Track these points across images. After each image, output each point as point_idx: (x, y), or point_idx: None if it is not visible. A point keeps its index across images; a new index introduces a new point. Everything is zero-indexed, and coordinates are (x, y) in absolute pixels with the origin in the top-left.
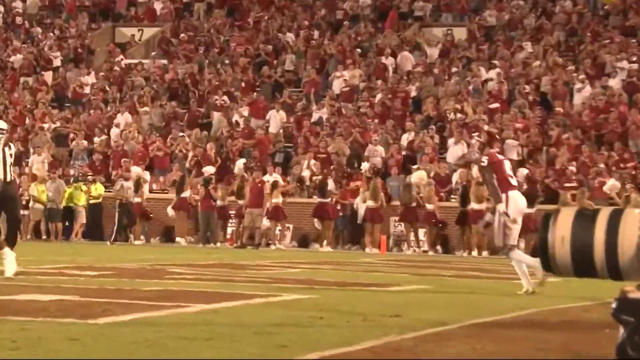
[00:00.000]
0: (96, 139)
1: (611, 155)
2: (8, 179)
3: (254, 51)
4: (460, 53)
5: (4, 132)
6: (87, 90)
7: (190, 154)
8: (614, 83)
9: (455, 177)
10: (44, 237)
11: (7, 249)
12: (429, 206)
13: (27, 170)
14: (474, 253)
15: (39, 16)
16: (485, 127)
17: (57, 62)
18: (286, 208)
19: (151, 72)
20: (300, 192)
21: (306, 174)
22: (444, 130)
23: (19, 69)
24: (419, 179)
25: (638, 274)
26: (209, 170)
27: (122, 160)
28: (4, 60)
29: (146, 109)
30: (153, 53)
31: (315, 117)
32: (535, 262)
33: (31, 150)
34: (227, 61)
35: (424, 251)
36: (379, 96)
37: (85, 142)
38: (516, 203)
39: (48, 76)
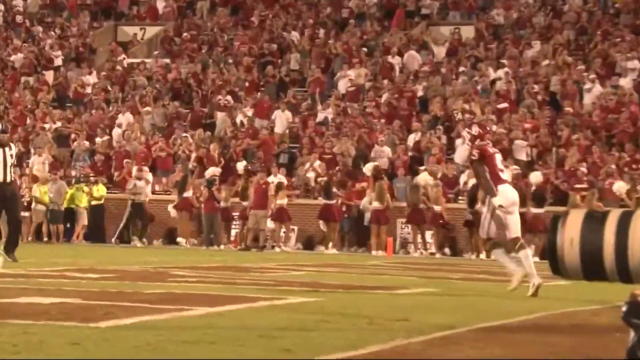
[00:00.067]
0: (98, 140)
1: (622, 156)
2: (8, 179)
3: (258, 50)
4: (468, 52)
5: None
6: (88, 90)
7: (194, 155)
8: (625, 82)
9: (462, 179)
10: (45, 239)
11: None
12: (437, 208)
13: (27, 171)
14: (482, 255)
15: (40, 15)
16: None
17: (58, 62)
18: (291, 210)
19: (154, 71)
20: (306, 193)
21: (311, 175)
22: (451, 131)
23: (19, 68)
24: (427, 181)
25: None
26: (213, 171)
27: (124, 161)
28: (5, 59)
29: (148, 109)
30: (155, 52)
31: (320, 117)
32: (515, 268)
33: (32, 150)
34: (230, 60)
35: (431, 253)
36: (385, 96)
37: (86, 143)
38: (507, 197)
39: (49, 76)
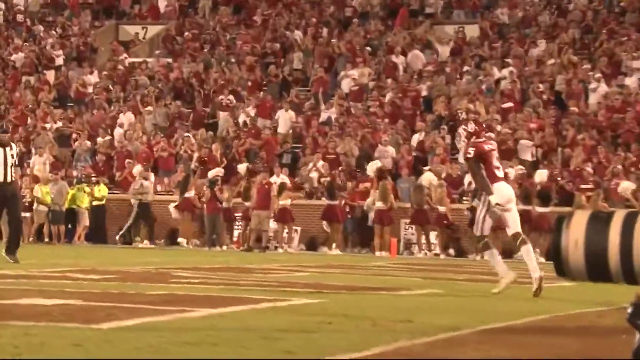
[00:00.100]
0: (99, 139)
1: (628, 156)
2: (8, 179)
3: (260, 49)
4: (473, 51)
5: None
6: (90, 89)
7: (196, 155)
8: (631, 82)
9: (467, 179)
10: (46, 239)
11: None
12: (441, 208)
13: (28, 171)
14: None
15: (41, 14)
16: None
17: (59, 61)
18: (294, 210)
19: (155, 71)
20: (309, 194)
21: (314, 175)
22: (455, 131)
23: (20, 67)
24: (431, 181)
25: None
26: (216, 172)
27: (126, 161)
28: (5, 59)
29: (150, 108)
30: (157, 51)
31: (323, 117)
32: (505, 271)
33: (33, 150)
34: (233, 60)
35: (436, 254)
36: (389, 95)
37: (88, 143)
38: (503, 194)
39: (50, 75)
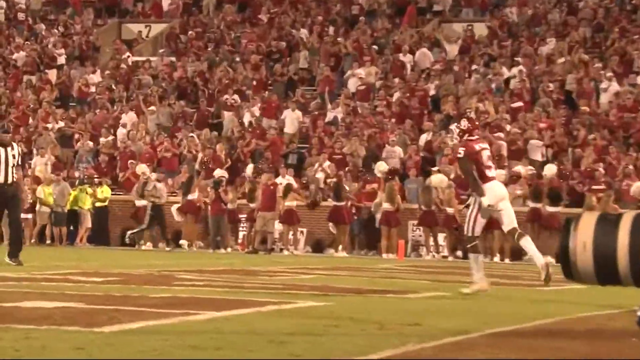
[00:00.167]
0: (102, 140)
1: (639, 157)
2: (9, 180)
3: (266, 48)
4: (482, 50)
5: None
6: (92, 89)
7: (200, 155)
8: None
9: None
10: (48, 241)
11: None
12: (449, 210)
13: (29, 172)
14: (496, 259)
15: (43, 12)
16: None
17: (61, 60)
18: (300, 212)
19: (159, 70)
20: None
21: (320, 175)
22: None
23: (22, 66)
24: (439, 182)
25: None
26: (220, 172)
27: (129, 161)
28: (7, 57)
29: (153, 108)
30: (161, 50)
31: (329, 116)
32: (480, 278)
33: (34, 151)
34: (238, 58)
35: (444, 257)
36: (396, 95)
37: (90, 143)
38: (495, 194)
39: (52, 74)
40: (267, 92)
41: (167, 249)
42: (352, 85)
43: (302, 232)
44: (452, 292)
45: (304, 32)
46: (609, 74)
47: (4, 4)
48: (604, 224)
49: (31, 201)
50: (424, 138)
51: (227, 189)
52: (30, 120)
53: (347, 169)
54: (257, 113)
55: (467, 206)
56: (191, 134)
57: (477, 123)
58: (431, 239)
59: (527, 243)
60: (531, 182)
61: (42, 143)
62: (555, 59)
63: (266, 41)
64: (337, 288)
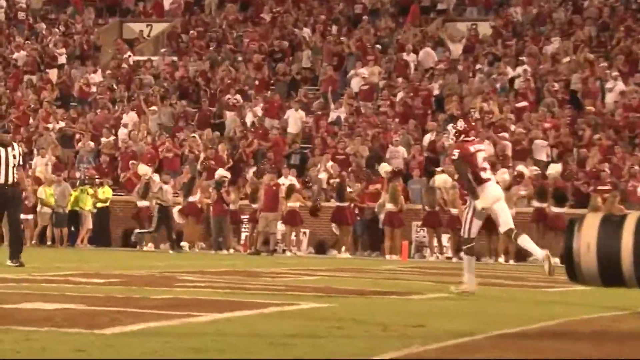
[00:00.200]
0: (103, 140)
1: None
2: (10, 181)
3: (268, 47)
4: (486, 49)
5: None
6: (93, 88)
7: (202, 156)
8: None
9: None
10: (48, 242)
11: None
12: (453, 210)
13: (30, 172)
14: (501, 259)
15: (43, 11)
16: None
17: (62, 60)
18: (303, 212)
19: (160, 69)
20: (317, 195)
21: (323, 176)
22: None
23: (22, 66)
24: (443, 183)
25: None
26: (223, 173)
27: (130, 162)
28: (7, 57)
29: (155, 108)
30: (162, 50)
31: (332, 116)
32: (470, 280)
33: (35, 151)
34: (240, 58)
35: (448, 258)
36: (399, 94)
37: (91, 143)
38: (488, 197)
39: (53, 74)
40: (269, 92)
41: (171, 252)
42: (355, 84)
43: (304, 233)
44: (456, 294)
45: (306, 32)
46: (615, 73)
47: (4, 3)
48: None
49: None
50: (427, 138)
51: (229, 189)
52: (31, 120)
53: (350, 169)
54: (260, 113)
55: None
56: (193, 134)
57: (473, 124)
58: (435, 240)
59: (524, 241)
60: (536, 182)
61: (43, 143)
62: (560, 58)
63: (268, 40)
64: (340, 289)
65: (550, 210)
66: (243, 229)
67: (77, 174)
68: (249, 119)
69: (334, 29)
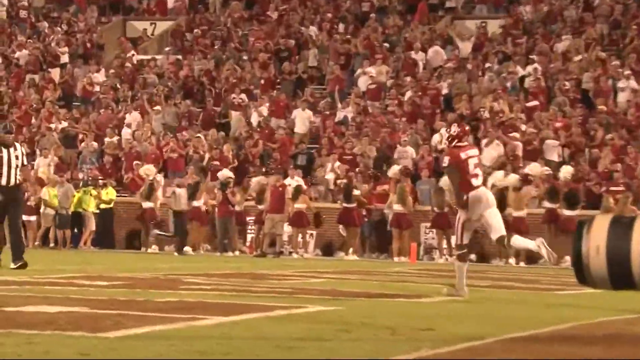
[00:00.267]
0: (107, 140)
1: None
2: (12, 182)
3: (274, 46)
4: (495, 47)
5: None
6: (96, 88)
7: (207, 156)
8: None
9: (490, 180)
10: (51, 244)
11: None
12: None
13: (32, 173)
14: (512, 261)
15: (46, 9)
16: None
17: (64, 59)
18: (309, 214)
19: (164, 68)
20: (325, 196)
21: (330, 176)
22: (478, 130)
23: (24, 65)
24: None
25: None
26: (227, 173)
27: (134, 162)
28: (9, 56)
29: (159, 107)
30: (166, 48)
31: (339, 116)
32: (463, 287)
33: (37, 152)
34: (245, 57)
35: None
36: (408, 94)
37: (95, 144)
38: (476, 206)
39: (55, 73)
40: (275, 92)
41: (176, 253)
42: (363, 84)
43: (311, 234)
44: (466, 297)
45: (313, 30)
46: (627, 72)
47: (5, 2)
48: (618, 226)
49: (35, 202)
50: (436, 138)
51: (235, 190)
52: (33, 120)
53: (357, 169)
54: (265, 113)
55: None
56: (198, 134)
57: (467, 129)
58: (444, 242)
59: (516, 240)
60: (547, 182)
61: (45, 144)
62: (572, 56)
63: (274, 39)
64: (348, 292)
65: (562, 213)
66: (249, 231)
67: (80, 175)
68: (254, 118)
69: (341, 27)
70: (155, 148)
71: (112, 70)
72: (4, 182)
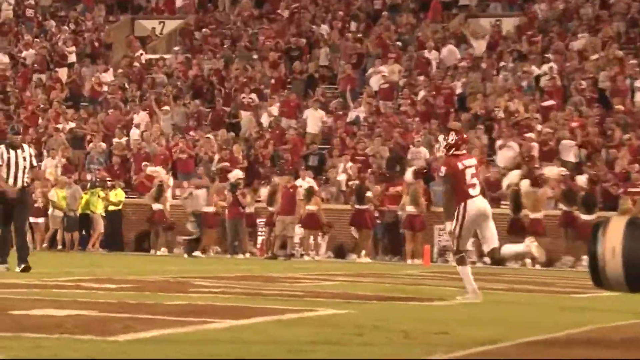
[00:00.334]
0: (115, 141)
1: None
2: (19, 184)
3: (284, 45)
4: (510, 46)
5: None
6: (104, 88)
7: (217, 157)
8: None
9: (505, 181)
10: (59, 247)
11: None
12: None
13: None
14: (527, 261)
15: (53, 8)
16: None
17: (72, 58)
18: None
19: (173, 68)
20: (337, 197)
21: (342, 177)
22: (492, 130)
23: (31, 65)
24: None
25: None
26: (237, 174)
27: (143, 163)
28: (15, 55)
29: (168, 108)
30: (175, 48)
31: (351, 116)
32: (473, 290)
33: (44, 153)
34: (255, 56)
35: (472, 262)
36: (421, 93)
37: (103, 145)
38: (476, 213)
39: (62, 73)
40: (286, 91)
41: (186, 255)
42: (375, 83)
43: (323, 236)
44: (480, 300)
45: (324, 28)
46: None
47: (12, 0)
48: (634, 228)
49: (42, 204)
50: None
51: (245, 191)
52: (40, 121)
53: (370, 170)
54: (276, 112)
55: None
56: (208, 135)
57: (465, 137)
58: None
59: (506, 249)
60: (564, 184)
61: (53, 144)
62: (588, 55)
63: (285, 38)
64: (360, 295)
65: (579, 217)
66: (259, 233)
67: (88, 176)
68: (264, 119)
69: (353, 25)
70: (164, 149)
71: (120, 70)
72: (11, 184)
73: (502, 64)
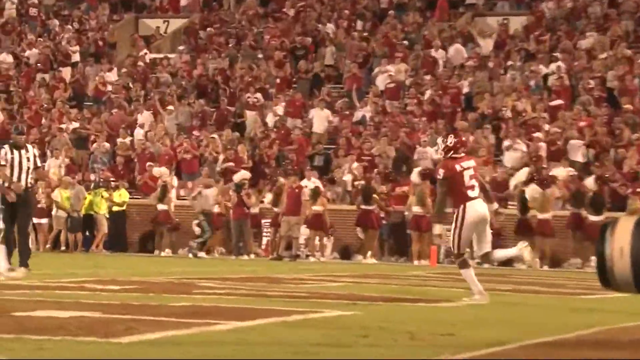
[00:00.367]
0: (119, 141)
1: None
2: (22, 185)
3: (290, 44)
4: (518, 45)
5: None
6: (108, 87)
7: (221, 157)
8: None
9: (512, 181)
10: (62, 247)
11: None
12: None
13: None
14: (536, 259)
15: (56, 7)
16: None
17: (75, 57)
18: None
19: (178, 67)
20: (342, 198)
21: (348, 178)
22: (499, 130)
23: (34, 64)
24: None
25: None
26: (243, 175)
27: (147, 164)
28: (19, 55)
29: (172, 107)
30: (180, 47)
31: (357, 116)
32: (479, 291)
33: (48, 153)
34: (260, 55)
35: (478, 263)
36: (427, 93)
37: (106, 145)
38: (472, 215)
39: (66, 72)
40: (291, 91)
41: (190, 255)
42: (381, 82)
43: (329, 237)
44: (487, 301)
45: (330, 27)
46: None
47: (15, 0)
48: None
49: (46, 205)
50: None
51: (250, 192)
52: (44, 121)
53: (376, 170)
54: (281, 112)
55: (496, 212)
56: (213, 135)
57: (464, 139)
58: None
59: (498, 253)
60: (573, 184)
61: (56, 144)
62: (596, 54)
63: (290, 37)
64: (366, 296)
65: (587, 218)
66: (264, 233)
67: (92, 177)
68: (270, 118)
69: (359, 24)
70: (168, 149)
71: (124, 69)
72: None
73: (509, 63)
